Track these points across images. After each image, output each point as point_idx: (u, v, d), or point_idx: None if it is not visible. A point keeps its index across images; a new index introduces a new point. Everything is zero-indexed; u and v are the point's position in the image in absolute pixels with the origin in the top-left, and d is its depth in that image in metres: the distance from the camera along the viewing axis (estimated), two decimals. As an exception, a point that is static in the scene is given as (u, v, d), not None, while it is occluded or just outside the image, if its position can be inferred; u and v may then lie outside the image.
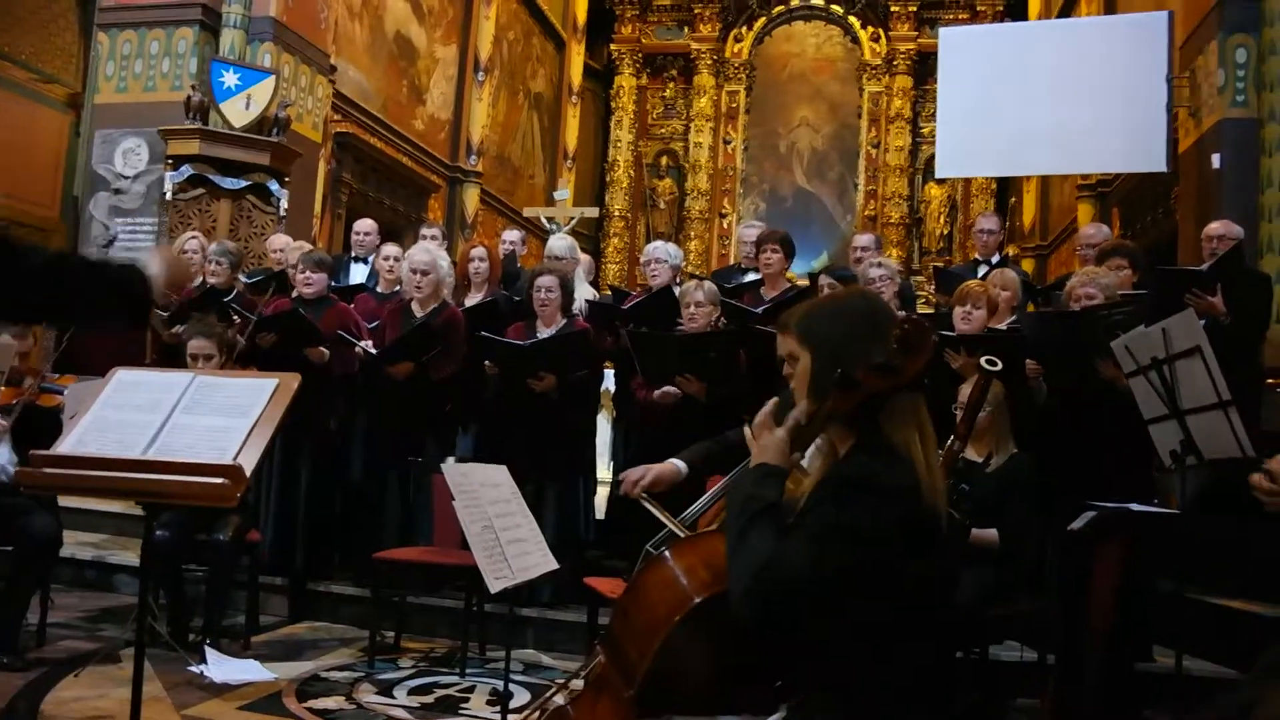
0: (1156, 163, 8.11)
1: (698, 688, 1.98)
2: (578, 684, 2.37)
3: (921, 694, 1.81)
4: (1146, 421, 3.02)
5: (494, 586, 2.57)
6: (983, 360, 3.53)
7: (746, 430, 1.99)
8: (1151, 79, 8.02)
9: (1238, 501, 3.03)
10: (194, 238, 6.31)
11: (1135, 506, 3.84)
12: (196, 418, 2.58)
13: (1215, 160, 7.59)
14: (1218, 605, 3.38)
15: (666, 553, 2.05)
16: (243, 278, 6.10)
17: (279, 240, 6.62)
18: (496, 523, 2.70)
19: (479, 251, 6.12)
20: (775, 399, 2.01)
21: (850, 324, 1.91)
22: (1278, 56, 7.32)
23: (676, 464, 2.69)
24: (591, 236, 14.81)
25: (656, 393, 4.95)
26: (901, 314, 4.96)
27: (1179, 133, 8.27)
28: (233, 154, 7.82)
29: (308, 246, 6.16)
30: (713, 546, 1.95)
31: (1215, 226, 5.52)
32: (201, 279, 5.93)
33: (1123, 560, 1.70)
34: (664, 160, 15.58)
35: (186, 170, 7.74)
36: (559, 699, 2.37)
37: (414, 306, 5.40)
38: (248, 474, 2.41)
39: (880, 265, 5.33)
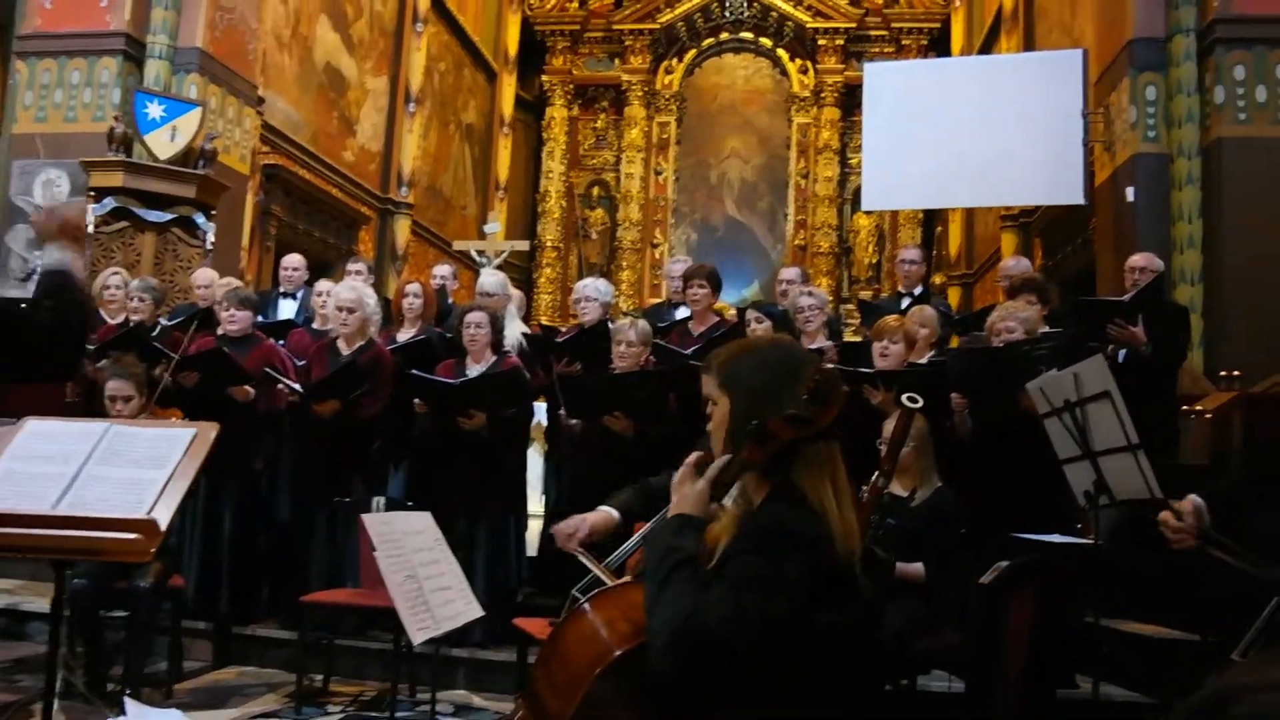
0: (1074, 195, 8.33)
1: (620, 740, 1.97)
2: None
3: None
4: (1061, 462, 3.10)
5: (417, 638, 2.54)
6: (904, 398, 3.60)
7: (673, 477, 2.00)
8: (1068, 114, 8.25)
9: (1149, 535, 3.13)
10: (115, 273, 6.19)
11: (1057, 538, 3.94)
12: (110, 469, 2.53)
13: (1129, 194, 7.82)
14: (1131, 633, 3.48)
15: (586, 606, 2.05)
16: (163, 320, 5.99)
17: (204, 275, 6.53)
18: (420, 571, 2.67)
19: (414, 287, 6.09)
20: (698, 453, 2.02)
21: (768, 374, 1.94)
22: (1184, 95, 7.58)
23: (610, 511, 2.66)
24: (524, 268, 14.79)
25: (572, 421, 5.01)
26: (824, 355, 5.03)
27: (1095, 166, 8.51)
28: (157, 186, 7.67)
29: (234, 283, 6.07)
30: (632, 599, 1.95)
31: (1138, 259, 5.68)
32: (124, 317, 5.82)
33: (1036, 604, 1.74)
34: (595, 191, 15.63)
35: (109, 203, 7.58)
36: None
37: (340, 344, 5.35)
38: (163, 528, 2.37)
39: (810, 295, 5.43)
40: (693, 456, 2.04)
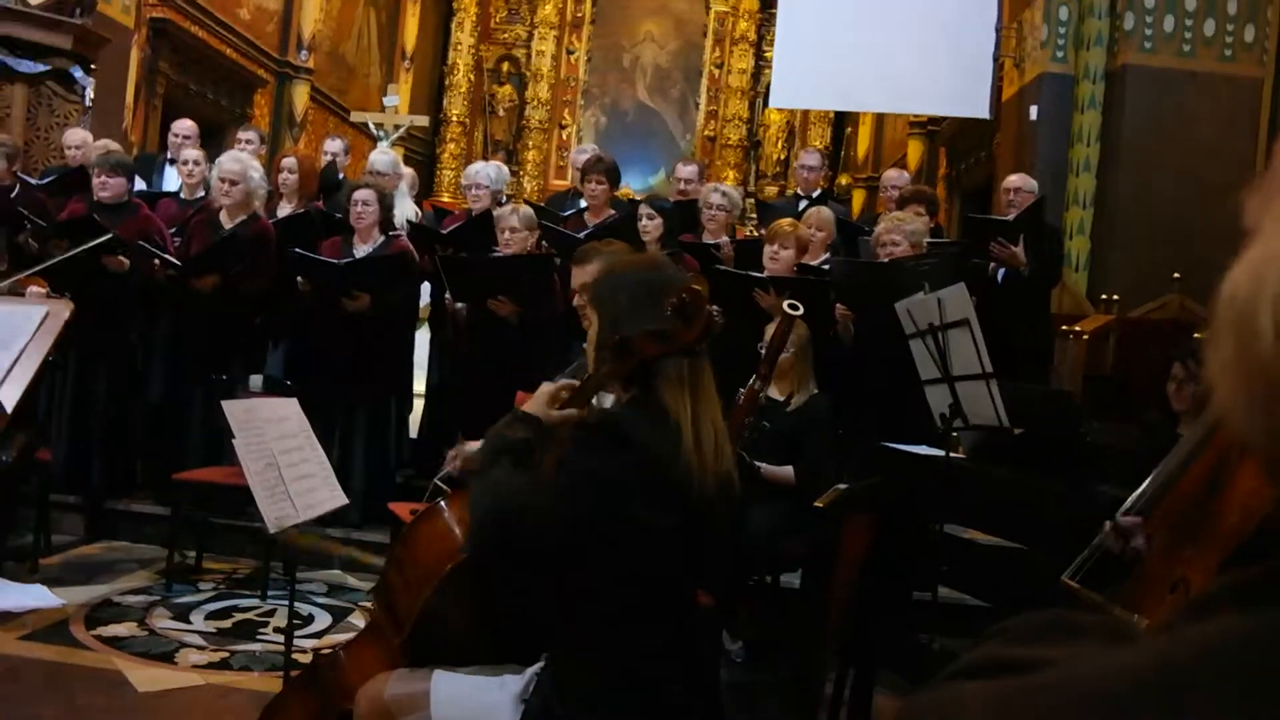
0: (980, 109, 8.37)
1: (465, 637, 2.02)
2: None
3: (670, 649, 1.88)
4: (922, 383, 3.19)
5: (273, 526, 2.54)
6: (785, 305, 3.64)
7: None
8: (982, 27, 8.25)
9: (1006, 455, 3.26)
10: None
11: (923, 449, 4.07)
12: (-46, 346, 2.43)
13: (1033, 112, 7.91)
14: (970, 540, 3.64)
15: (441, 504, 2.07)
16: (26, 177, 5.68)
17: (75, 135, 6.20)
18: (280, 459, 2.65)
19: (289, 161, 5.89)
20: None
21: (634, 293, 1.96)
22: (1095, 18, 7.63)
23: None
24: (428, 142, 14.41)
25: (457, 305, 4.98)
26: (720, 250, 5.04)
27: (1004, 82, 8.56)
28: (28, 34, 7.16)
29: (109, 145, 5.77)
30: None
31: (1014, 180, 5.76)
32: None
33: (872, 527, 1.81)
34: (505, 67, 15.20)
35: (-27, 49, 7.11)
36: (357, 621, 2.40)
37: (222, 216, 5.18)
38: (9, 409, 2.29)
39: (724, 195, 5.37)
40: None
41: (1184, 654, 0.48)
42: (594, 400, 2.02)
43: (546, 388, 1.96)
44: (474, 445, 2.53)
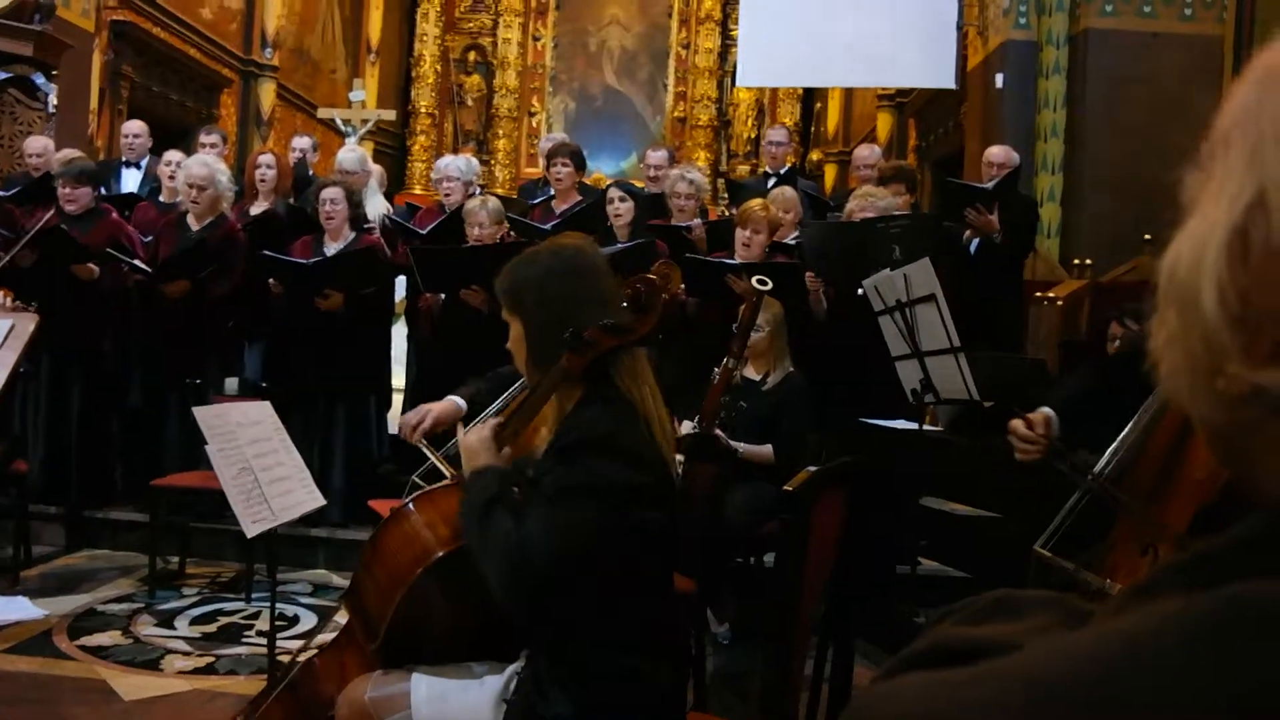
0: (946, 79, 8.39)
1: (441, 638, 2.01)
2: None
3: (653, 640, 1.89)
4: (893, 358, 3.20)
5: (251, 531, 2.53)
6: (753, 280, 3.65)
7: (460, 435, 1.99)
8: (944, -4, 8.25)
9: (981, 427, 3.27)
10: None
11: (901, 423, 4.10)
12: (-83, 364, 2.41)
13: (998, 80, 7.93)
14: (949, 512, 3.68)
15: (410, 506, 2.06)
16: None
17: (36, 143, 6.13)
18: (255, 463, 2.64)
19: (266, 158, 5.87)
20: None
21: (557, 283, 1.91)
22: (1056, -18, 7.64)
23: (456, 401, 2.70)
24: (397, 134, 14.32)
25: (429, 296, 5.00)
26: (692, 231, 5.02)
27: (969, 51, 8.57)
28: (-13, 43, 7.12)
29: (71, 154, 5.72)
30: (454, 502, 1.97)
31: (997, 154, 5.78)
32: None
33: (845, 507, 1.82)
34: (472, 56, 15.09)
35: (-68, 58, 7.03)
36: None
37: (190, 220, 5.14)
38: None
39: (689, 182, 5.28)
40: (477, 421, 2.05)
41: (1118, 644, 0.47)
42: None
43: (477, 437, 1.90)
44: (421, 410, 2.52)
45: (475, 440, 1.91)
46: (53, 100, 7.54)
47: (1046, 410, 2.51)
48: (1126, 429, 2.23)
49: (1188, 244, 0.51)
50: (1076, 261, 7.19)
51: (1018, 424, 2.50)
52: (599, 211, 4.97)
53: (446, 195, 5.60)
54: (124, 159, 6.40)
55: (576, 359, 1.84)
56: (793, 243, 5.14)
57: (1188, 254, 0.51)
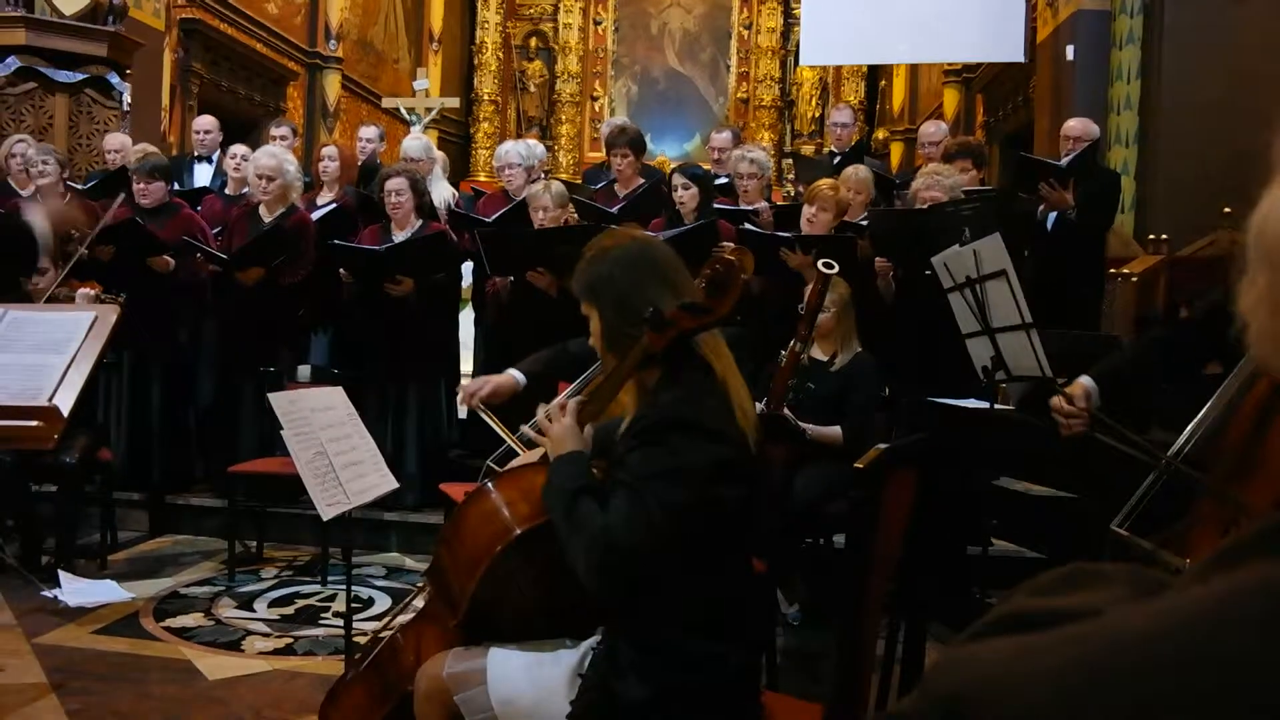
0: (1014, 53, 8.25)
1: (520, 614, 2.04)
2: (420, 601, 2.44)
3: (730, 621, 1.90)
4: (964, 336, 3.16)
5: (326, 514, 2.58)
6: (820, 263, 3.62)
7: (540, 417, 2.02)
8: (1012, -32, 8.10)
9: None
10: (20, 140, 5.92)
11: (972, 403, 4.04)
12: (9, 356, 2.49)
13: (1069, 52, 7.74)
14: (1022, 492, 3.61)
15: (489, 485, 2.09)
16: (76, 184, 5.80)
17: (115, 140, 6.29)
18: (329, 447, 2.70)
19: (329, 150, 5.96)
20: (560, 398, 2.05)
21: (625, 273, 1.95)
22: (1129, -50, 7.44)
23: (515, 375, 2.79)
24: (461, 122, 14.43)
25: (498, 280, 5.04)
26: (759, 215, 5.00)
27: (1037, 23, 8.39)
28: (65, 44, 7.29)
29: (147, 149, 5.87)
30: (534, 480, 1.99)
31: (1074, 127, 5.63)
32: (32, 188, 5.62)
33: (916, 485, 1.81)
34: (533, 42, 15.15)
35: (14, 62, 7.22)
36: (418, 601, 2.44)
37: (261, 211, 5.24)
38: (65, 414, 2.35)
39: (750, 161, 5.25)
40: (560, 398, 2.08)
41: (1204, 606, 0.47)
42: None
43: (565, 423, 1.93)
44: (481, 379, 2.60)
45: (558, 427, 1.94)
46: (127, 99, 7.72)
47: (1085, 381, 2.47)
48: (1206, 406, 2.18)
49: (1276, 205, 0.50)
50: (1152, 237, 7.01)
51: (1057, 400, 2.47)
52: (661, 191, 4.96)
53: (510, 181, 5.64)
54: (196, 154, 6.55)
55: (657, 338, 1.86)
56: (862, 223, 5.08)
57: (1277, 216, 0.50)
